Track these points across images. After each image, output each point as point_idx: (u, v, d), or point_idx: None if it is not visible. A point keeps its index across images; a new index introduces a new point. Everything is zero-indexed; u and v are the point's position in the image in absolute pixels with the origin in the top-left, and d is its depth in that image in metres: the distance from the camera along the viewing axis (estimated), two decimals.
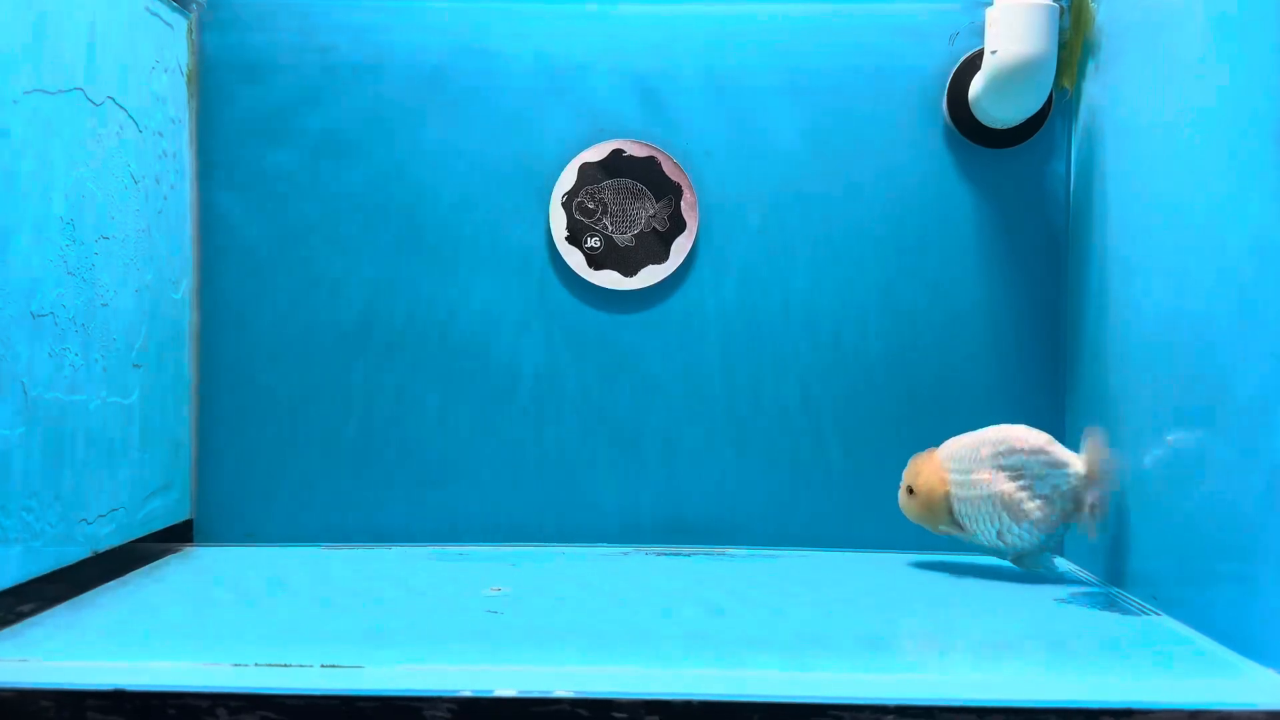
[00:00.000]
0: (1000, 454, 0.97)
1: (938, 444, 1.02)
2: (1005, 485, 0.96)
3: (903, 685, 0.70)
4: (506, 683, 0.68)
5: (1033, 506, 0.96)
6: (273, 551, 1.11)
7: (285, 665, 0.71)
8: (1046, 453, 0.96)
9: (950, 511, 1.00)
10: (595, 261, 1.15)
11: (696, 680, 0.70)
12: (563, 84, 1.14)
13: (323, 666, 0.71)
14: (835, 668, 0.74)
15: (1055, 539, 0.98)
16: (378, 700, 0.67)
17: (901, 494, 1.03)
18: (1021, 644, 0.82)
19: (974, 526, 0.98)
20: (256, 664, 0.71)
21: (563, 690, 0.68)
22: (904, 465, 1.03)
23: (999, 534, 0.98)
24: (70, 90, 0.88)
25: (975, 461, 0.98)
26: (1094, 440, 0.96)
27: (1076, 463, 0.96)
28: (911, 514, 1.03)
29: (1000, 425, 0.99)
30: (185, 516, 1.13)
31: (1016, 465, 0.96)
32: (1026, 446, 0.96)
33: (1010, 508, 0.96)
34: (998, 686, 0.70)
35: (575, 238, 1.14)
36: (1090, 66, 1.07)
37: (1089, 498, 0.95)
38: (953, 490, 0.99)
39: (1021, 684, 0.71)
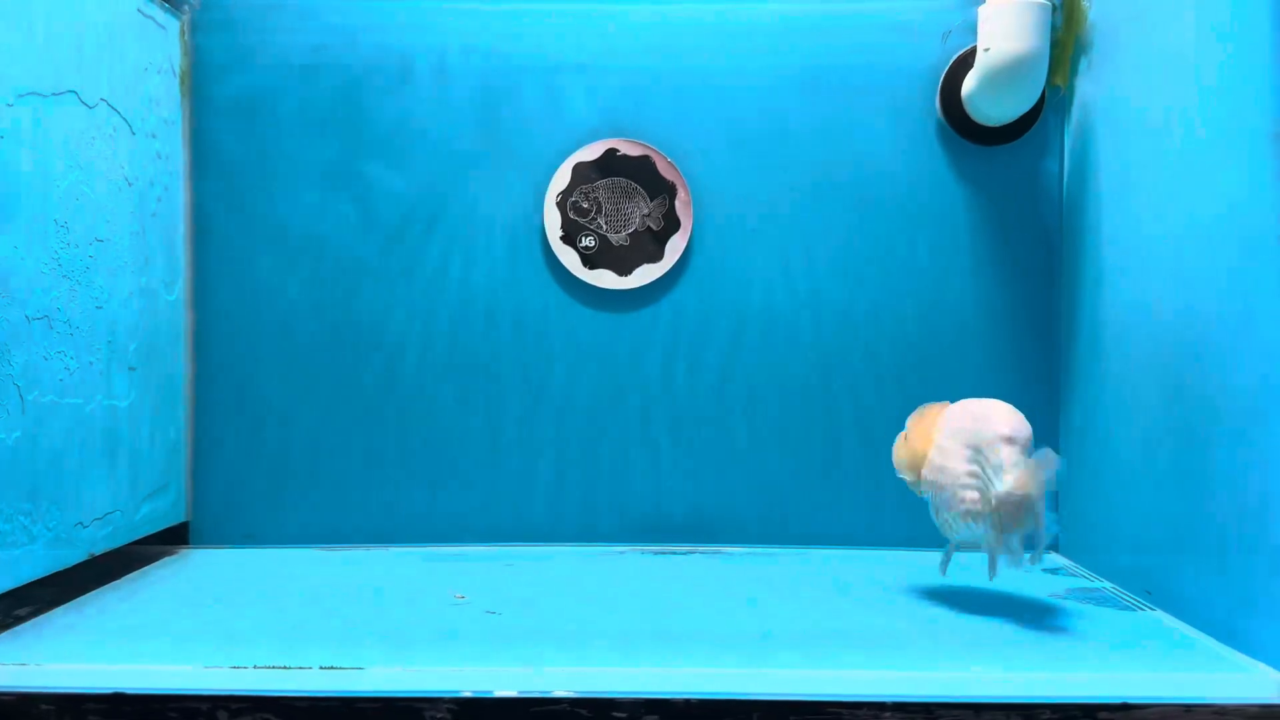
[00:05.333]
0: (976, 438, 0.84)
1: None
2: (961, 468, 0.85)
3: (900, 682, 0.70)
4: (506, 683, 0.68)
5: (967, 496, 0.85)
6: (268, 554, 1.11)
7: (285, 667, 0.71)
8: (999, 453, 0.83)
9: (920, 475, 0.90)
10: (590, 261, 1.15)
11: (694, 679, 0.70)
12: (556, 84, 1.14)
13: (322, 668, 0.71)
14: (833, 665, 0.75)
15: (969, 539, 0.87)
16: (379, 701, 0.67)
17: (900, 436, 0.93)
18: (1017, 639, 0.82)
19: (935, 502, 0.88)
20: (255, 666, 0.71)
21: (562, 690, 0.68)
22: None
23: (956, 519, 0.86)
24: (64, 93, 0.87)
25: (960, 438, 0.86)
26: (1035, 465, 0.82)
27: (1008, 479, 0.82)
28: (898, 459, 0.92)
29: (1003, 406, 0.85)
30: (181, 519, 1.13)
31: (978, 454, 0.85)
32: (993, 435, 0.83)
33: (954, 494, 0.85)
34: (995, 682, 0.70)
35: (570, 237, 1.14)
36: (1083, 64, 1.08)
37: (1003, 519, 0.82)
38: (932, 456, 0.88)
39: (1018, 680, 0.71)
